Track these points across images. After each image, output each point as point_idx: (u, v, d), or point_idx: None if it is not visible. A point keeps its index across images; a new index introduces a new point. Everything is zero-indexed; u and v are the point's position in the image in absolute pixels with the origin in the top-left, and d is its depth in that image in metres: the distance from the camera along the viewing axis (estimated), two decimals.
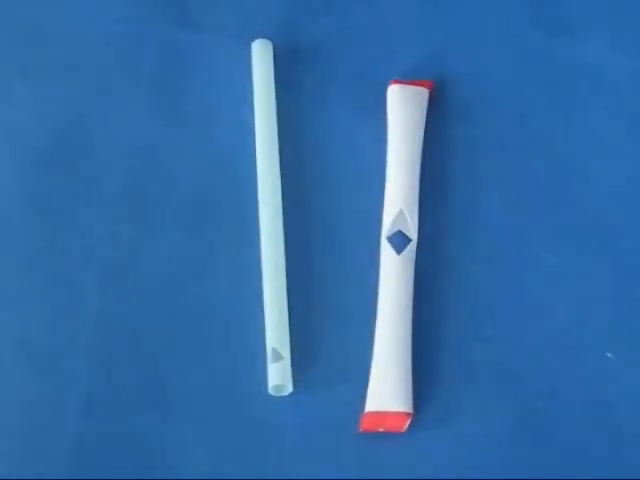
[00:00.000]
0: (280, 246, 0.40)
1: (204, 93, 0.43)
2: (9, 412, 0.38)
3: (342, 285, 0.40)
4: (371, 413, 0.37)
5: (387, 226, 0.39)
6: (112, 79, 0.43)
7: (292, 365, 0.38)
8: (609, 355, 0.39)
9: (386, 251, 0.39)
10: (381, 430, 0.36)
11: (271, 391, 0.37)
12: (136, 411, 0.38)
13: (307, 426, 0.38)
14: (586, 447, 0.37)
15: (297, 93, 0.43)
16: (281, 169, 0.41)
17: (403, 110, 0.41)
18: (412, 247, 0.39)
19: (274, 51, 0.43)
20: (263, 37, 0.43)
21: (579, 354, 0.39)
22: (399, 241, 0.39)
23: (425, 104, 0.42)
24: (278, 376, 0.37)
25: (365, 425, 0.37)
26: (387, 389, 0.37)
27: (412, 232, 0.39)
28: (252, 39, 0.43)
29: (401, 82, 0.42)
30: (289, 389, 0.38)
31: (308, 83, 0.44)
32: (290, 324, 0.39)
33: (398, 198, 0.39)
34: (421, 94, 0.42)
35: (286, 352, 0.38)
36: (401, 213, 0.39)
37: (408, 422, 0.36)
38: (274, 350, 0.37)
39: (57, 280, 0.40)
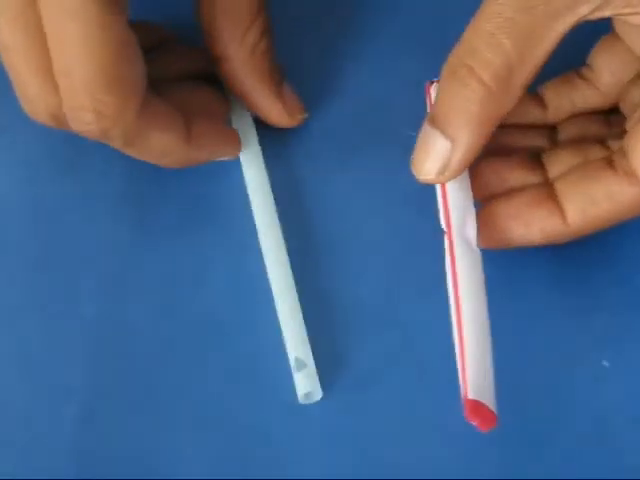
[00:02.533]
0: (283, 251, 0.40)
1: None
2: (5, 422, 0.38)
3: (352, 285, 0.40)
4: (474, 402, 0.34)
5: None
6: None
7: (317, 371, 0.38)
8: (605, 363, 0.39)
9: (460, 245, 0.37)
10: (475, 423, 0.34)
11: (302, 400, 0.38)
12: (135, 421, 0.38)
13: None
14: (581, 455, 0.38)
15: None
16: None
17: None
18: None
19: None
20: None
21: (575, 362, 0.39)
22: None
23: None
24: (306, 384, 0.38)
25: (469, 412, 0.34)
26: (486, 384, 0.35)
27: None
28: None
29: None
30: (319, 395, 0.38)
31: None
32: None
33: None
34: None
35: (309, 359, 0.38)
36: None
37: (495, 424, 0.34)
38: (297, 359, 0.38)
39: (54, 288, 0.40)
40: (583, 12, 0.33)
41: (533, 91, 0.41)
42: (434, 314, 0.38)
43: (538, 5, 0.33)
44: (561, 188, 0.37)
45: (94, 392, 0.39)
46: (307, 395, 0.38)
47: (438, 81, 0.39)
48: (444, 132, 0.34)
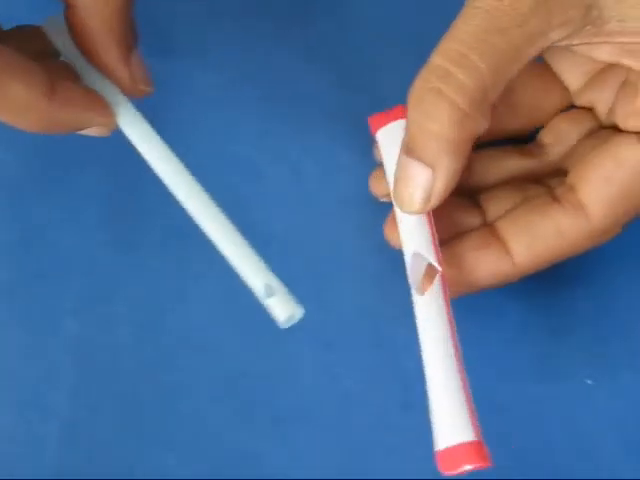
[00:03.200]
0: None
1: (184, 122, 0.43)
2: None
3: None
4: (446, 451, 0.33)
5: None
6: None
7: None
8: (588, 382, 0.39)
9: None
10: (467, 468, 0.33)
11: (284, 324, 0.35)
12: (116, 440, 0.38)
13: None
14: (565, 473, 0.38)
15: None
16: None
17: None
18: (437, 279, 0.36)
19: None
20: None
21: (559, 380, 0.39)
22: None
23: None
24: (284, 307, 0.35)
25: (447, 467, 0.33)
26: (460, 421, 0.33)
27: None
28: None
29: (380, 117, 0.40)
30: (299, 312, 0.35)
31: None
32: None
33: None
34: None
35: (276, 282, 0.35)
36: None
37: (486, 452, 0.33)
38: (267, 286, 0.35)
39: (37, 306, 0.40)
40: (555, 38, 0.33)
41: None
42: None
43: (511, 27, 0.32)
44: (504, 227, 0.37)
45: (77, 410, 0.38)
46: (289, 319, 0.36)
47: (383, 114, 0.39)
48: (423, 160, 0.33)
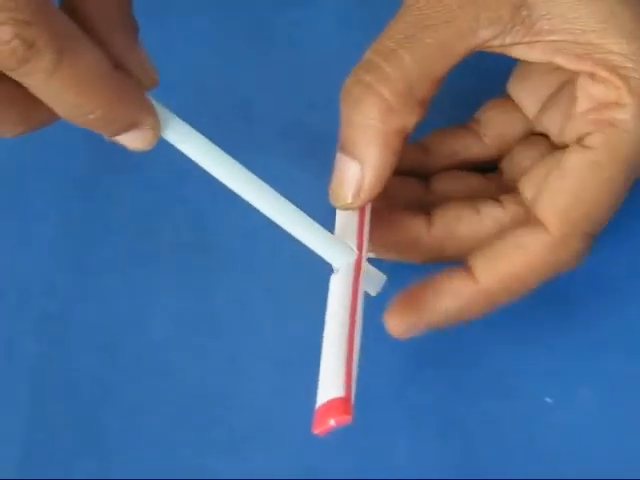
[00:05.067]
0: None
1: None
2: None
3: None
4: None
5: None
6: None
7: None
8: (548, 400, 0.39)
9: None
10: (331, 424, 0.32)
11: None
12: (75, 461, 0.38)
13: None
14: None
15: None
16: None
17: None
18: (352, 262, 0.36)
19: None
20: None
21: (518, 398, 0.39)
22: None
23: None
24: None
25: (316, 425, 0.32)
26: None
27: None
28: None
29: None
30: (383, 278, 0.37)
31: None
32: None
33: None
34: None
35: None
36: None
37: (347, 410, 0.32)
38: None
39: None
40: (485, 36, 0.33)
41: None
42: None
43: (439, 24, 0.33)
44: None
45: (36, 432, 0.39)
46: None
47: None
48: (352, 155, 0.34)
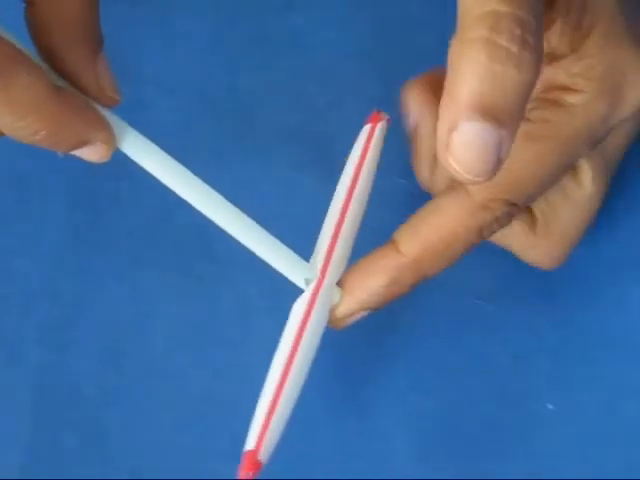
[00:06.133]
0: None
1: None
2: None
3: None
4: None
5: None
6: None
7: None
8: (550, 406, 0.39)
9: None
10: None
11: None
12: (78, 465, 0.38)
13: None
14: None
15: None
16: None
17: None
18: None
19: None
20: None
21: (519, 405, 0.39)
22: None
23: None
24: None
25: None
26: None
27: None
28: None
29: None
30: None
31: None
32: None
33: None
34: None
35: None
36: None
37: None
38: (306, 280, 0.35)
39: None
40: None
41: None
42: None
43: None
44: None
45: (39, 439, 0.39)
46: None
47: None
48: (496, 120, 0.28)
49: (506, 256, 0.40)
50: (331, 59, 0.44)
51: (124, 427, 0.39)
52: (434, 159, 0.38)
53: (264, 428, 0.33)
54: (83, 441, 0.38)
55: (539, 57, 0.28)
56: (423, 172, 0.39)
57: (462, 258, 0.35)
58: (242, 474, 0.32)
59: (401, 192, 0.42)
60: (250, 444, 0.33)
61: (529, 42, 0.28)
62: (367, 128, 0.38)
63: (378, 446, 0.38)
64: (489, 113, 0.28)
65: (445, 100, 0.29)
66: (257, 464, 0.32)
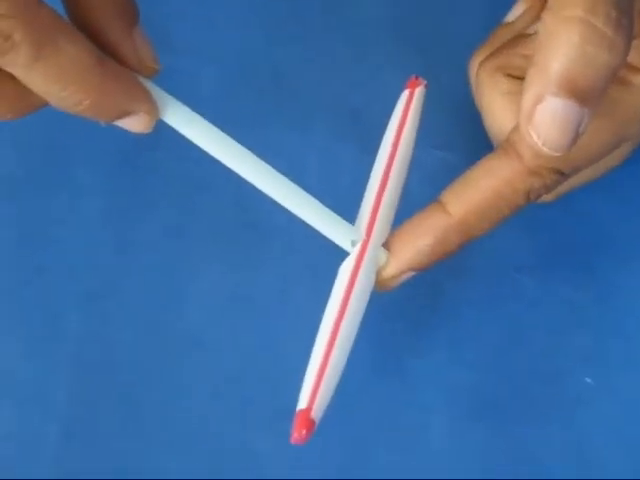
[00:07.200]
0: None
1: None
2: None
3: None
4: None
5: None
6: None
7: None
8: (588, 380, 0.39)
9: None
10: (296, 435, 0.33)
11: None
12: (116, 438, 0.38)
13: None
14: (563, 473, 0.38)
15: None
16: None
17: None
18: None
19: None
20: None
21: (558, 380, 0.39)
22: None
23: None
24: None
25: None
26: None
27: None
28: None
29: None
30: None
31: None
32: None
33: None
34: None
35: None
36: None
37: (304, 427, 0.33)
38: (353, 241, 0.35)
39: (36, 305, 0.40)
40: None
41: None
42: None
43: None
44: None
45: (77, 409, 0.39)
46: None
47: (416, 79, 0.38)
48: (583, 100, 0.29)
49: (547, 231, 0.40)
50: (368, 30, 0.44)
51: (161, 399, 0.39)
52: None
53: (316, 386, 0.33)
54: (120, 413, 0.39)
55: (630, 40, 0.29)
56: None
57: (507, 220, 0.35)
58: (296, 432, 0.32)
59: (437, 164, 0.42)
60: (302, 403, 0.33)
61: (623, 25, 0.28)
62: (406, 93, 0.38)
63: (415, 417, 0.39)
64: (575, 92, 0.29)
65: (533, 72, 0.30)
66: (310, 422, 0.32)
